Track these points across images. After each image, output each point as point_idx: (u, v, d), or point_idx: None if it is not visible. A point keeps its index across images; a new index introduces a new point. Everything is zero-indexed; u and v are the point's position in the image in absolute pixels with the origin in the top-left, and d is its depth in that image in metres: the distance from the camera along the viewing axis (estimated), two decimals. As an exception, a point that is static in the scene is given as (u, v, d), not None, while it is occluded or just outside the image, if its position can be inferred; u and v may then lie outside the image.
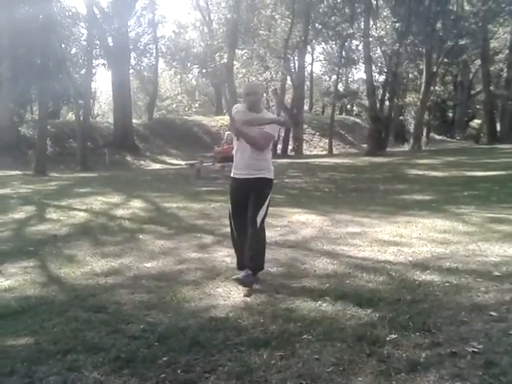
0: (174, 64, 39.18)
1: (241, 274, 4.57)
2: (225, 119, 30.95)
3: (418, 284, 4.49)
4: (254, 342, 3.35)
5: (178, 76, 42.76)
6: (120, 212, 8.95)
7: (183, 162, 19.07)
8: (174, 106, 46.08)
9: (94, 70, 30.33)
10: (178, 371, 3.00)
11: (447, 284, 4.45)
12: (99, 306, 4.18)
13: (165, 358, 3.16)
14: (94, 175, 16.78)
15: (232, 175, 5.10)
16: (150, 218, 8.40)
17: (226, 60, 28.15)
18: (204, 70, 37.74)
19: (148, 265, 5.54)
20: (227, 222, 7.80)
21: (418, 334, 3.39)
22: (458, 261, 5.24)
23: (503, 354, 3.01)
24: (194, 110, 45.23)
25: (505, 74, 33.67)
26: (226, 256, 5.78)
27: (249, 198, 4.77)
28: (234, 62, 28.83)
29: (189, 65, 39.23)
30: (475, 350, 3.10)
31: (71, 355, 3.24)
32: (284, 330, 3.54)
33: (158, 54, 32.93)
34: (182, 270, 5.31)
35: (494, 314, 3.70)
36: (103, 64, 30.04)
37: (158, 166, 22.21)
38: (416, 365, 2.94)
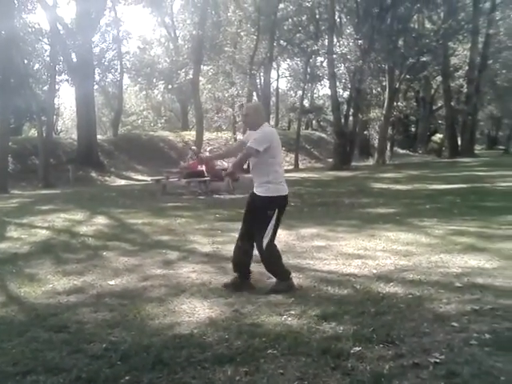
0: (139, 80, 39.09)
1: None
2: (191, 135, 30.89)
3: (381, 296, 4.53)
4: (219, 358, 3.32)
5: (144, 92, 42.64)
6: (83, 229, 8.80)
7: (149, 178, 18.94)
8: (140, 121, 45.85)
9: (57, 86, 30.00)
10: (141, 390, 2.95)
11: (410, 296, 4.51)
12: (60, 326, 4.08)
13: (127, 377, 3.10)
14: (57, 192, 16.48)
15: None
16: (114, 235, 8.28)
17: (191, 76, 28.16)
18: (170, 86, 37.70)
19: (111, 282, 5.45)
20: (193, 237, 7.84)
21: (381, 346, 3.42)
22: (420, 273, 5.31)
23: (464, 364, 3.05)
24: (159, 125, 45.02)
25: (465, 90, 34.58)
26: (191, 272, 5.74)
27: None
28: (200, 78, 28.88)
29: (154, 80, 39.18)
30: (437, 360, 3.13)
31: (31, 376, 3.16)
32: (249, 345, 3.52)
33: (122, 69, 32.73)
34: (146, 286, 5.23)
35: (455, 324, 3.75)
36: (67, 80, 29.72)
37: (123, 182, 21.96)
38: (380, 377, 2.95)
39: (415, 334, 3.60)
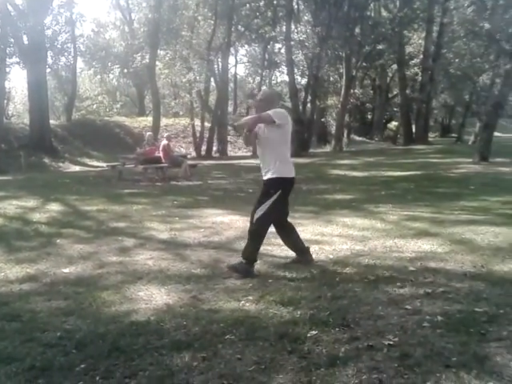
0: (94, 64, 38.17)
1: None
2: (148, 120, 30.44)
3: (338, 281, 4.60)
4: (176, 344, 3.31)
5: (98, 76, 41.68)
6: (36, 216, 8.58)
7: (105, 164, 18.58)
8: (95, 106, 44.83)
9: (7, 69, 28.92)
10: (97, 378, 2.91)
11: (365, 280, 4.59)
12: (13, 315, 3.98)
13: (83, 366, 3.06)
14: (8, 178, 15.98)
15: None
16: (68, 222, 8.11)
17: (147, 60, 27.70)
18: (125, 70, 37.00)
19: (66, 270, 5.34)
20: (150, 224, 7.75)
21: (337, 329, 3.47)
22: (375, 257, 5.42)
23: (417, 346, 3.13)
24: (115, 110, 44.15)
25: (419, 78, 35.19)
26: (148, 259, 5.68)
27: None
28: (157, 63, 28.42)
29: (109, 64, 38.36)
30: (391, 342, 3.20)
31: (-18, 367, 3.07)
32: (207, 331, 3.52)
33: (76, 53, 31.83)
34: (101, 274, 5.15)
35: (408, 307, 3.85)
36: (18, 63, 28.70)
37: (77, 169, 21.49)
38: (335, 359, 3.00)
39: (370, 317, 3.68)
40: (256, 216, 4.87)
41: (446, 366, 2.84)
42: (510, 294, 4.02)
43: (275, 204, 4.84)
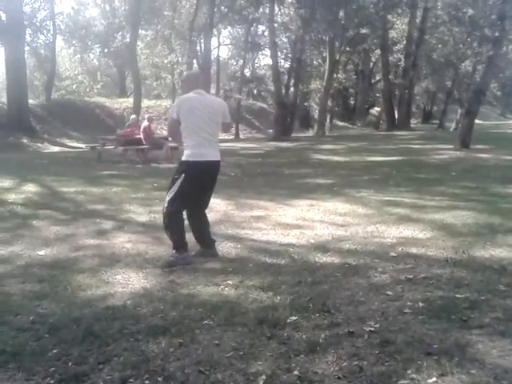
0: (74, 42, 37.44)
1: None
2: (129, 101, 30.03)
3: (318, 266, 4.55)
4: (153, 329, 3.22)
5: (78, 55, 40.91)
6: (12, 197, 8.39)
7: (84, 145, 18.30)
8: (75, 86, 43.95)
9: (-16, 46, 28.23)
10: (69, 363, 2.82)
11: (346, 265, 4.54)
12: (-16, 298, 3.87)
13: (55, 351, 2.96)
14: (-15, 158, 15.66)
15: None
16: (44, 203, 7.95)
17: (128, 40, 27.24)
18: (106, 50, 36.38)
19: (41, 252, 5.21)
20: (129, 206, 7.62)
21: (317, 315, 3.42)
22: (357, 242, 5.38)
23: (398, 333, 3.09)
24: (95, 91, 43.47)
25: (402, 64, 35.21)
26: (126, 242, 5.58)
27: None
28: (138, 43, 27.98)
29: (89, 44, 37.64)
30: (372, 329, 3.16)
31: (-50, 352, 2.96)
32: (184, 316, 3.44)
33: (55, 30, 31.14)
34: (78, 257, 5.04)
35: (390, 293, 3.81)
36: (-5, 39, 28.04)
37: (56, 149, 21.11)
38: (315, 346, 2.94)
39: (351, 303, 3.63)
40: (165, 202, 4.75)
41: (428, 354, 2.80)
42: (492, 281, 4.00)
43: (182, 189, 4.67)
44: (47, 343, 3.06)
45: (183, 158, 4.75)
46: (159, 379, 2.63)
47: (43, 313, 3.56)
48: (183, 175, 4.66)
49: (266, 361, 2.81)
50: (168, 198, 4.69)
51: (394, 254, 4.88)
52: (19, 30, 23.11)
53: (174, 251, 4.78)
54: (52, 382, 2.64)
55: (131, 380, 2.63)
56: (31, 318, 3.44)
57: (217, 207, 7.58)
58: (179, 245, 4.78)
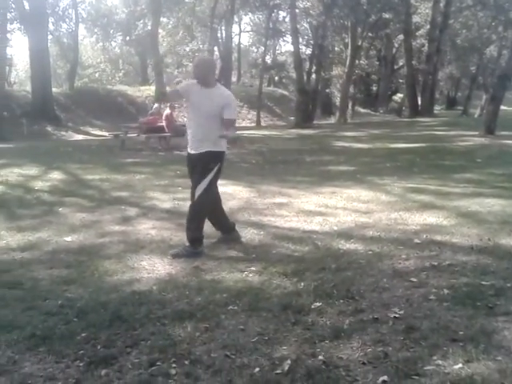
0: (96, 31, 37.64)
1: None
2: (150, 89, 30.13)
3: (342, 253, 4.55)
4: (179, 314, 3.27)
5: (100, 43, 41.14)
6: (38, 184, 8.53)
7: (107, 133, 18.46)
8: (97, 74, 44.32)
9: (9, 35, 28.54)
10: (98, 347, 2.88)
11: (370, 252, 4.54)
12: (14, 282, 3.96)
13: (84, 334, 3.02)
14: (10, 146, 15.87)
15: None
16: (70, 191, 8.06)
17: (150, 27, 27.27)
18: (127, 38, 36.49)
19: (68, 239, 5.30)
20: (152, 194, 7.70)
21: (341, 301, 3.43)
22: (380, 229, 5.36)
23: (423, 319, 3.09)
24: (117, 79, 43.72)
25: (426, 49, 34.65)
26: (150, 228, 5.64)
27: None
28: (159, 30, 27.99)
29: (111, 32, 37.82)
30: (396, 315, 3.16)
31: (-17, 334, 3.04)
32: (209, 301, 3.48)
33: (78, 19, 31.35)
34: (104, 243, 5.12)
35: (414, 280, 3.80)
36: (19, 28, 28.31)
37: (80, 137, 21.35)
38: (340, 331, 2.96)
39: (375, 290, 3.63)
40: (198, 191, 4.65)
41: (453, 340, 2.80)
42: (517, 268, 3.96)
43: (216, 177, 4.69)
44: (76, 327, 3.12)
45: (219, 149, 4.69)
46: (186, 362, 2.67)
47: (71, 297, 3.63)
48: (218, 164, 4.67)
49: (290, 346, 2.83)
50: (203, 187, 4.61)
51: (418, 241, 4.85)
52: (42, 18, 23.31)
53: (188, 244, 4.70)
54: (81, 364, 2.70)
55: (158, 363, 2.68)
56: (59, 303, 3.51)
57: (239, 194, 7.62)
58: (197, 238, 4.71)
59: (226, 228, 5.04)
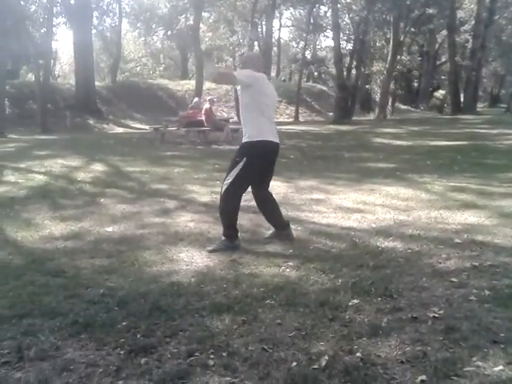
0: (138, 25, 38.20)
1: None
2: (190, 84, 30.40)
3: (380, 250, 4.51)
4: (216, 306, 3.30)
5: (142, 38, 41.71)
6: (81, 175, 8.73)
7: (147, 127, 18.73)
8: (138, 68, 45.03)
9: (54, 29, 29.26)
10: (138, 336, 2.93)
11: (409, 250, 4.48)
12: (57, 270, 4.06)
13: (124, 323, 3.08)
14: (55, 138, 16.30)
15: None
16: (111, 182, 8.22)
17: (191, 22, 27.49)
18: (169, 32, 36.87)
19: (109, 229, 5.42)
20: (191, 187, 7.78)
21: (379, 299, 3.40)
22: (420, 228, 5.28)
23: (463, 320, 3.03)
24: (158, 73, 44.25)
25: (470, 45, 33.89)
26: (189, 221, 5.71)
27: None
28: (201, 25, 28.19)
29: (153, 26, 38.27)
30: (436, 315, 3.11)
31: (27, 320, 3.13)
32: (247, 295, 3.50)
33: (121, 13, 31.91)
34: (143, 234, 5.20)
35: (454, 280, 3.73)
36: (64, 23, 28.99)
37: (121, 130, 21.74)
38: (377, 329, 2.94)
39: (414, 289, 3.59)
40: (224, 187, 4.62)
41: (494, 342, 2.74)
42: (563, 271, 3.85)
43: (243, 172, 4.56)
44: (117, 315, 3.19)
45: (245, 140, 4.65)
46: (223, 354, 2.70)
47: (112, 286, 3.71)
48: (245, 158, 4.57)
49: (328, 342, 2.83)
50: (228, 181, 4.59)
51: (459, 241, 4.76)
52: (87, 13, 23.81)
53: (223, 238, 4.70)
54: (122, 352, 2.75)
55: (197, 354, 2.71)
56: (101, 292, 3.58)
57: (277, 189, 7.61)
58: (231, 232, 4.70)
59: (280, 224, 4.99)
